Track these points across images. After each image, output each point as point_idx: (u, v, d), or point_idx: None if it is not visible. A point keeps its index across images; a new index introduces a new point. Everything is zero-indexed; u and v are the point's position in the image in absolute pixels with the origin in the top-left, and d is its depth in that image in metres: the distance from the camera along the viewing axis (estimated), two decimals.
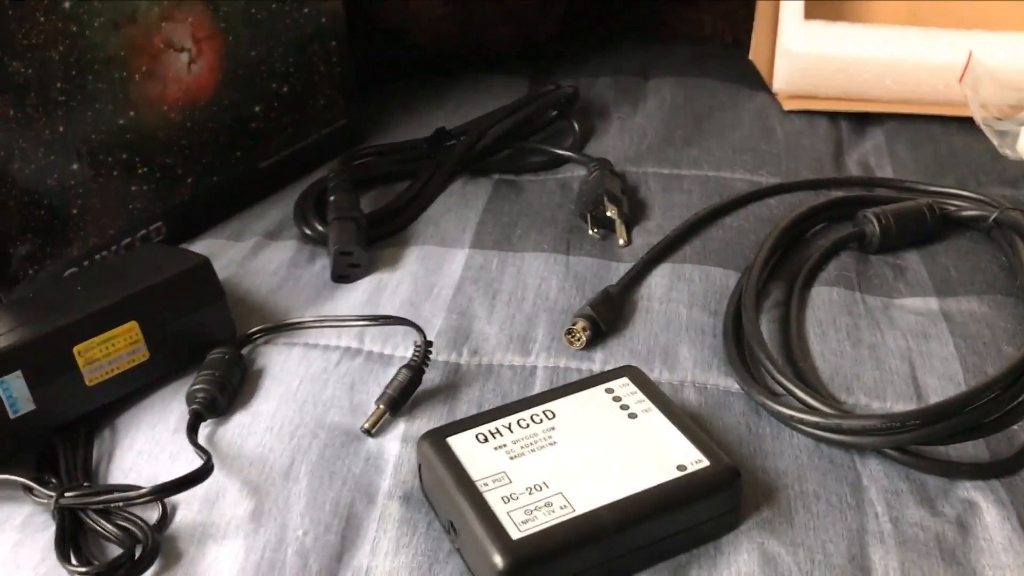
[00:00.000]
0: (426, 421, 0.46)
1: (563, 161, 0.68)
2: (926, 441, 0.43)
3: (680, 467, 0.40)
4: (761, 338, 0.49)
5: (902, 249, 0.59)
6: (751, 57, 0.75)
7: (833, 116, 0.74)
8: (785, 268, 0.57)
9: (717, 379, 0.49)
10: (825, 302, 0.54)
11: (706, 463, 0.40)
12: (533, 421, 0.42)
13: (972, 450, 0.45)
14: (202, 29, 0.58)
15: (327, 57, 0.66)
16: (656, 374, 0.49)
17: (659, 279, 0.56)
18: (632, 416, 0.42)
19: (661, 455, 0.40)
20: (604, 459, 0.40)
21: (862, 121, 0.74)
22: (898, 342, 0.51)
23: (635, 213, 0.62)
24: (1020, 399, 0.45)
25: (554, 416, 0.42)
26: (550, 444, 0.41)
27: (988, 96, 0.71)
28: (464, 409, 0.47)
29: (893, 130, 0.72)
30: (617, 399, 0.43)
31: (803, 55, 0.72)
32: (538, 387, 0.48)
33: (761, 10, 0.76)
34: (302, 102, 0.66)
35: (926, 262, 0.58)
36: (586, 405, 0.43)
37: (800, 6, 0.73)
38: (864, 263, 0.58)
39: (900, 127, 0.72)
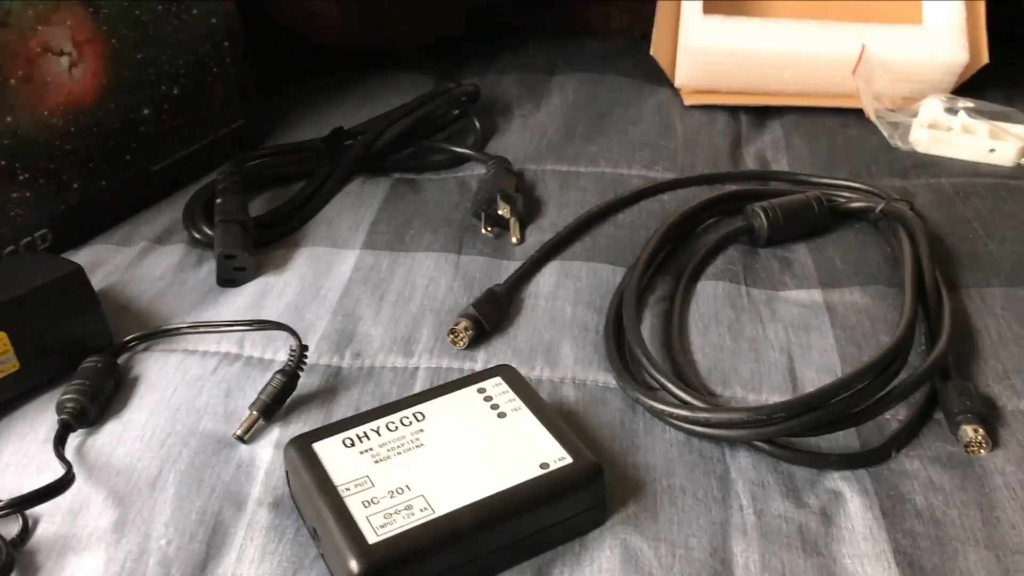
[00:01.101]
0: (301, 426, 0.46)
1: (463, 160, 0.68)
2: (793, 433, 0.44)
3: (543, 465, 0.40)
4: (638, 333, 0.50)
5: (791, 242, 0.60)
6: (652, 53, 0.76)
7: (734, 110, 0.75)
8: (674, 263, 0.58)
9: (597, 375, 0.49)
10: (710, 296, 0.55)
11: (569, 460, 0.40)
12: (402, 424, 0.42)
13: (843, 440, 0.46)
14: (82, 32, 0.57)
15: (220, 58, 0.66)
16: (537, 372, 0.49)
17: (547, 277, 0.56)
18: (501, 416, 0.43)
19: (525, 454, 0.40)
20: (469, 460, 0.40)
21: (762, 115, 0.74)
22: (779, 335, 0.52)
23: (531, 211, 0.62)
24: (888, 389, 0.46)
25: (424, 418, 0.42)
26: (417, 446, 0.41)
27: (882, 88, 0.72)
28: (341, 413, 0.46)
29: (791, 123, 0.73)
30: (488, 399, 0.43)
31: (702, 50, 0.73)
32: (418, 388, 0.48)
33: (662, 6, 0.76)
34: (195, 104, 0.65)
35: (814, 254, 0.59)
36: (457, 406, 0.43)
37: (699, 2, 0.74)
38: (752, 256, 0.59)
39: (799, 120, 0.73)
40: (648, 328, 0.52)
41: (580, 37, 0.86)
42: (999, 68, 0.76)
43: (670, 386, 0.46)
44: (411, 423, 0.42)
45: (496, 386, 0.44)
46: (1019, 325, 0.52)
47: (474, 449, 0.41)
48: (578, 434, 0.45)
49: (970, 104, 0.70)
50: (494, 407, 0.43)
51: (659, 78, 0.78)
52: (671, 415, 0.45)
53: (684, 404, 0.46)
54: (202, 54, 0.64)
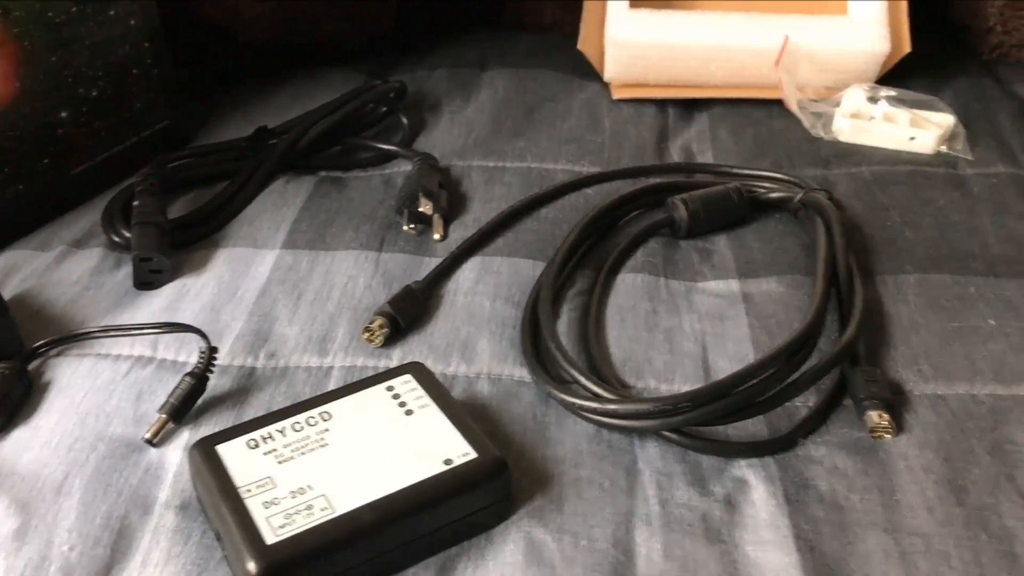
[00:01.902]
0: (211, 428, 0.45)
1: (390, 156, 0.68)
2: (699, 422, 0.44)
3: (447, 461, 0.40)
4: (552, 328, 0.50)
5: (712, 233, 0.60)
6: (580, 47, 0.76)
7: (662, 103, 0.75)
8: (595, 257, 0.58)
9: (512, 370, 0.49)
10: (629, 288, 0.55)
11: (473, 456, 0.40)
12: (308, 424, 0.42)
13: (752, 428, 0.46)
14: None
15: (141, 59, 0.65)
16: (453, 368, 0.49)
17: (467, 273, 0.56)
18: (409, 413, 0.43)
19: (430, 450, 0.41)
20: (373, 458, 0.40)
21: (690, 107, 0.75)
22: (694, 325, 0.53)
23: (455, 207, 0.62)
24: (796, 376, 0.46)
25: (330, 417, 0.42)
26: (322, 446, 0.41)
27: (806, 78, 0.72)
28: (252, 414, 0.46)
29: (718, 115, 0.73)
30: (396, 396, 0.44)
31: (628, 44, 0.73)
32: (332, 388, 0.48)
33: (589, 1, 0.76)
34: (115, 106, 0.64)
35: (733, 245, 0.59)
36: (364, 404, 0.43)
37: None
38: (673, 248, 0.59)
39: (725, 112, 0.74)
40: (566, 321, 0.53)
41: (513, 32, 0.86)
42: (924, 57, 0.78)
43: (581, 379, 0.47)
44: (317, 423, 0.42)
45: (405, 383, 0.44)
46: (930, 311, 0.53)
47: (379, 447, 0.41)
48: (489, 429, 0.45)
49: (892, 93, 0.71)
50: (402, 404, 0.43)
51: (590, 72, 0.78)
52: (581, 407, 0.46)
53: (594, 396, 0.46)
54: (121, 55, 0.64)
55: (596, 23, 0.75)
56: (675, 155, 0.70)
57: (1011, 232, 0.59)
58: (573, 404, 0.46)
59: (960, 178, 0.65)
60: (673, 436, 0.45)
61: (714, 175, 0.66)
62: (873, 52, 0.72)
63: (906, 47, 0.73)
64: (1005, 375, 0.48)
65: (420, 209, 0.60)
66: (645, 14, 0.73)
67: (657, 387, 0.49)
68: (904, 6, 0.75)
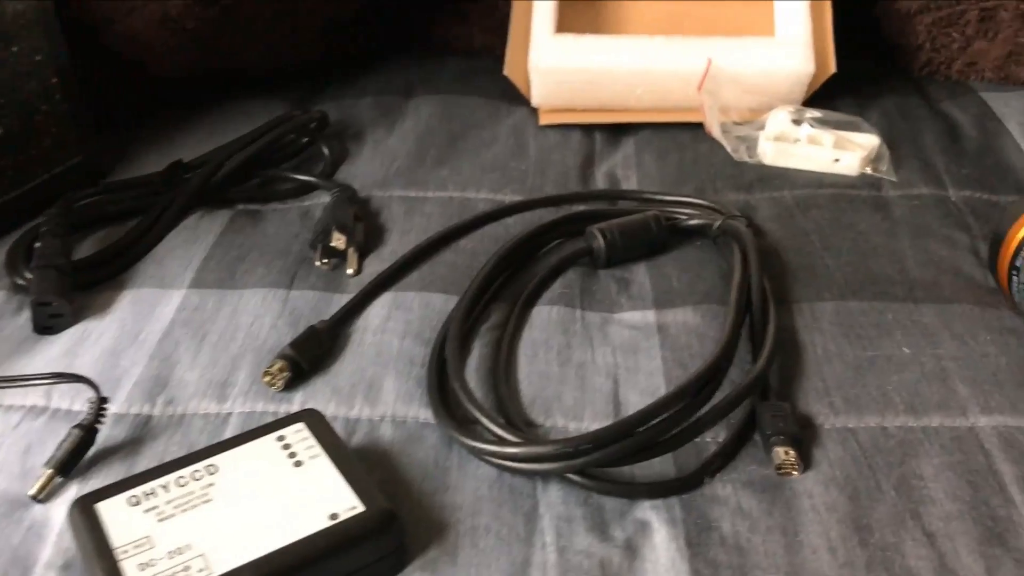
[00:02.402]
0: (101, 481, 0.44)
1: (310, 188, 0.67)
2: (602, 464, 0.44)
3: (332, 516, 0.39)
4: (457, 366, 0.49)
5: (631, 262, 0.60)
6: (507, 73, 0.75)
7: (589, 128, 0.74)
8: (512, 289, 0.57)
9: (418, 411, 0.48)
10: (544, 321, 0.54)
11: (361, 509, 0.39)
12: (193, 478, 0.41)
13: (660, 467, 0.45)
14: None
15: (49, 95, 0.64)
16: (356, 411, 0.48)
17: (378, 309, 0.55)
18: (298, 464, 0.41)
19: (317, 505, 0.39)
20: (257, 514, 0.39)
21: (617, 132, 0.74)
22: (607, 359, 0.52)
23: (372, 240, 0.61)
24: (702, 412, 0.46)
25: (216, 471, 0.41)
26: (205, 502, 0.40)
27: (731, 101, 0.72)
28: (144, 465, 0.45)
29: (644, 140, 0.73)
30: (287, 447, 0.42)
31: (553, 70, 0.72)
32: (229, 435, 0.46)
33: (514, 25, 0.76)
34: (23, 143, 0.63)
35: (652, 274, 0.59)
36: (252, 457, 0.42)
37: (550, 20, 0.73)
38: (592, 279, 0.58)
39: (652, 136, 0.73)
40: (476, 358, 0.52)
41: (442, 57, 0.86)
42: (853, 77, 0.77)
43: (484, 420, 0.46)
44: (202, 476, 0.41)
45: (297, 433, 0.43)
46: (845, 340, 0.52)
47: (264, 502, 0.40)
48: (385, 477, 0.44)
49: (818, 114, 0.70)
50: (291, 455, 0.42)
51: (518, 97, 0.77)
52: (482, 451, 0.44)
53: (496, 439, 0.45)
54: (28, 93, 0.62)
55: (521, 48, 0.75)
56: (600, 181, 0.69)
57: (931, 255, 0.59)
58: (474, 448, 0.45)
59: (883, 200, 0.64)
60: (576, 478, 0.44)
61: (637, 202, 0.65)
62: (797, 73, 0.72)
63: (831, 68, 0.73)
64: (917, 406, 0.48)
65: (332, 244, 0.58)
66: (569, 39, 0.73)
67: (565, 425, 0.48)
68: (830, 27, 0.74)
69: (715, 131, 0.70)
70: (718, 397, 0.46)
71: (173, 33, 0.69)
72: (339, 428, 0.47)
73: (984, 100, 0.76)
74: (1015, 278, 0.53)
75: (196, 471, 0.41)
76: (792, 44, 0.72)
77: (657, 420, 0.44)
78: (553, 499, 0.43)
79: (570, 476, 0.44)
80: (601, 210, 0.63)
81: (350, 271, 0.58)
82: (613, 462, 0.44)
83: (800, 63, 0.72)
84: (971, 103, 0.76)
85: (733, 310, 0.52)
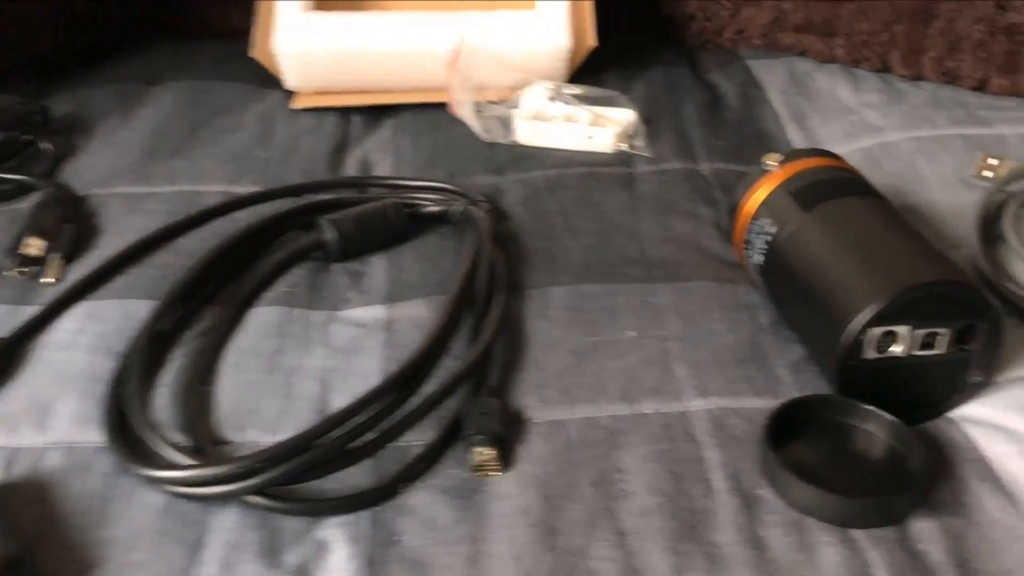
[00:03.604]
0: None
1: (27, 188, 0.61)
2: (280, 482, 0.40)
3: None
4: (138, 381, 0.45)
5: (369, 253, 0.56)
6: (253, 55, 0.70)
7: (347, 112, 0.70)
8: (233, 289, 0.53)
9: (95, 435, 0.43)
10: (259, 324, 0.50)
11: None
12: None
13: (358, 477, 0.42)
14: None
15: None
16: (20, 439, 0.43)
17: (69, 322, 0.50)
18: None
19: None
20: None
21: (377, 114, 0.70)
22: (322, 362, 0.48)
23: (85, 242, 0.56)
24: (400, 415, 0.43)
25: None
26: None
27: (487, 79, 0.69)
28: None
29: (403, 122, 0.69)
30: None
31: (299, 52, 0.68)
32: None
33: (261, 3, 0.71)
34: None
35: (389, 265, 0.55)
36: None
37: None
38: (323, 274, 0.55)
39: (411, 118, 0.69)
40: (176, 369, 0.47)
41: (199, 40, 0.80)
42: (626, 50, 0.76)
43: (155, 442, 0.41)
44: None
45: None
46: (572, 326, 0.50)
47: None
48: (42, 512, 0.39)
49: (576, 91, 0.68)
50: None
51: (274, 81, 0.72)
52: (150, 477, 0.40)
53: (166, 463, 0.41)
54: None
55: (269, 28, 0.70)
56: (351, 168, 0.65)
57: (672, 233, 0.57)
58: (141, 474, 0.40)
59: (632, 177, 0.62)
60: (257, 500, 0.40)
61: (383, 188, 0.62)
62: (555, 48, 0.69)
63: (591, 41, 0.71)
64: (632, 393, 0.46)
65: (24, 251, 0.53)
66: (315, 18, 0.68)
67: (258, 440, 0.44)
68: (589, 1, 0.72)
69: (462, 111, 0.67)
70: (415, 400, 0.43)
71: None
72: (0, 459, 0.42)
73: (749, 68, 0.75)
74: (747, 251, 0.52)
75: None
76: (549, 18, 0.69)
77: (344, 429, 0.41)
78: (227, 524, 0.39)
79: (250, 498, 0.40)
80: (335, 199, 0.59)
81: (48, 280, 0.53)
82: (292, 479, 0.40)
83: (557, 38, 0.69)
84: (737, 71, 0.75)
85: (452, 300, 0.49)
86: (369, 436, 0.42)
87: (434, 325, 0.47)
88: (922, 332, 0.43)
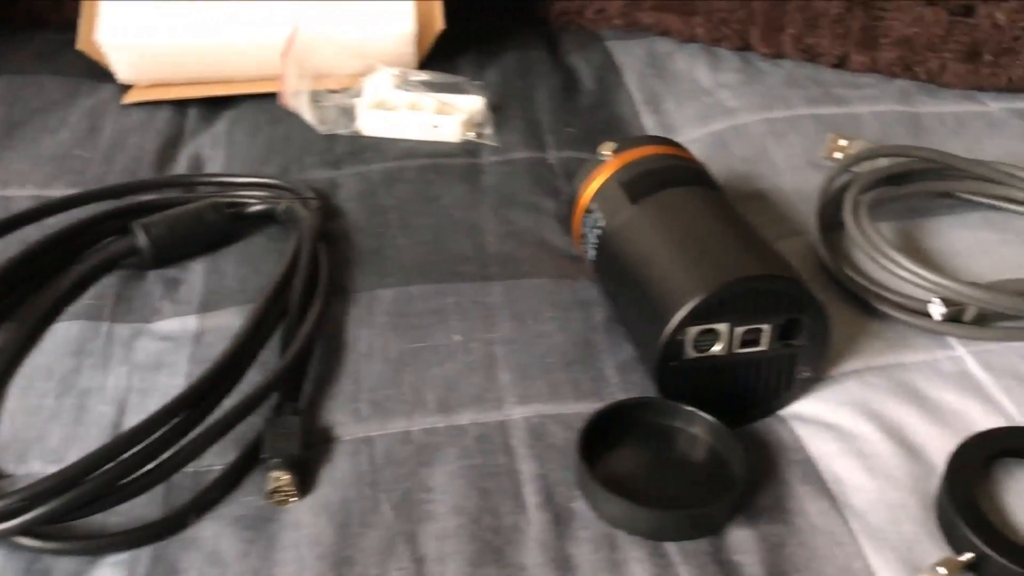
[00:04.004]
0: None
1: None
2: (46, 521, 0.36)
3: None
4: None
5: (189, 258, 0.52)
6: (80, 47, 0.66)
7: (184, 105, 0.66)
8: (35, 302, 0.49)
9: None
10: (57, 342, 0.47)
11: None
12: None
13: (145, 509, 0.39)
14: None
15: None
16: None
17: None
18: None
19: None
20: None
21: (215, 107, 0.66)
22: (120, 381, 0.44)
23: None
24: (184, 443, 0.39)
25: None
26: None
27: (327, 66, 0.65)
28: None
29: (240, 115, 0.65)
30: None
31: (124, 45, 0.64)
32: None
33: None
34: None
35: (208, 271, 0.52)
36: None
37: None
38: (136, 282, 0.51)
39: (250, 110, 0.66)
40: None
41: (29, 32, 0.75)
42: (479, 34, 0.73)
43: None
44: None
45: None
46: (395, 332, 0.47)
47: None
48: None
49: (423, 77, 0.65)
50: None
51: (107, 74, 0.68)
52: None
53: None
54: None
55: (93, 19, 0.65)
56: (182, 166, 0.61)
57: (512, 227, 0.54)
58: None
59: (476, 168, 0.60)
60: (24, 540, 0.37)
61: (212, 186, 0.58)
62: (399, 33, 0.66)
63: (438, 25, 0.67)
64: (450, 402, 0.43)
65: None
66: (139, 7, 0.64)
67: (42, 471, 0.40)
68: None
69: (295, 101, 0.63)
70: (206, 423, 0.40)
71: None
72: None
73: (608, 49, 0.73)
74: (584, 245, 0.49)
75: None
76: (394, 1, 0.66)
77: (130, 454, 0.37)
78: None
79: (16, 538, 0.37)
80: (156, 201, 0.55)
81: None
82: (62, 516, 0.37)
83: (400, 21, 0.66)
84: (596, 53, 0.72)
85: (259, 307, 0.45)
86: (158, 461, 0.38)
87: (236, 334, 0.43)
88: (742, 329, 0.41)
